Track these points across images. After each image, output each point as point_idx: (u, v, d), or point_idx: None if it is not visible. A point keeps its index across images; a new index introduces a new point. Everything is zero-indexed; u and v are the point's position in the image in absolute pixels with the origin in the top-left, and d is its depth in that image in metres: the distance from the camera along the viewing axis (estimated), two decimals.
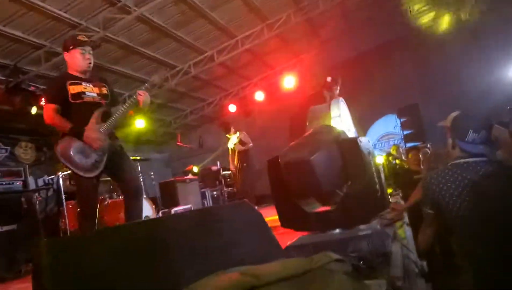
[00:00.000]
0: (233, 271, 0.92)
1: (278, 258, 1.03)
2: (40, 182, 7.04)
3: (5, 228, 4.52)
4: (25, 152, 7.41)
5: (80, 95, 2.83)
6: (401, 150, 7.04)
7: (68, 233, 5.00)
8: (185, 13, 6.40)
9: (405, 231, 2.22)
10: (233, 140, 6.77)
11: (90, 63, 2.92)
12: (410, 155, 5.92)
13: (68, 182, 5.57)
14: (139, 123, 8.84)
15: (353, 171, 1.60)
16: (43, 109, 2.86)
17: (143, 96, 2.94)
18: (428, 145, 5.85)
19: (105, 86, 3.03)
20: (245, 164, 6.44)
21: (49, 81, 3.30)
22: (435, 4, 8.07)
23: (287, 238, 1.83)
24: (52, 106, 2.78)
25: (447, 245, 2.44)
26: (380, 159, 6.60)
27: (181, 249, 1.08)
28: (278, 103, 9.35)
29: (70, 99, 2.80)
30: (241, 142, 6.47)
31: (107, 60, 6.94)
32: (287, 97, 8.64)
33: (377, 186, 1.60)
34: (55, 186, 5.99)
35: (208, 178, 9.23)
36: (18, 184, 5.01)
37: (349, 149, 1.62)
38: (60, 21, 5.46)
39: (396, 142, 8.68)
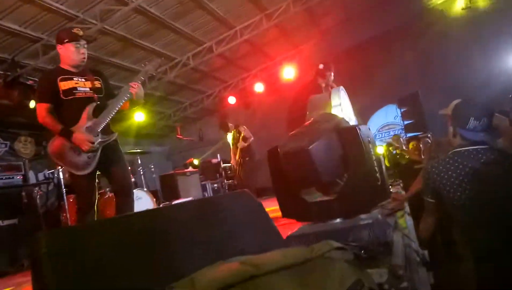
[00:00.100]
0: (233, 261, 0.91)
1: (278, 247, 1.02)
2: (41, 176, 7.05)
3: (6, 222, 4.53)
4: (25, 146, 7.40)
5: (71, 91, 2.77)
6: (401, 140, 7.02)
7: None
8: (183, 4, 6.34)
9: (406, 220, 2.21)
10: (233, 135, 6.70)
11: (84, 58, 2.84)
12: (411, 145, 5.91)
13: (68, 176, 5.57)
14: (139, 117, 8.83)
15: (353, 159, 1.58)
16: (36, 108, 2.82)
17: (135, 88, 2.86)
18: (429, 135, 5.83)
19: (98, 80, 2.95)
20: (247, 158, 6.41)
21: (40, 78, 3.23)
22: None
23: (288, 228, 1.82)
24: (44, 105, 2.74)
25: (449, 233, 2.44)
26: (380, 149, 6.59)
27: (180, 239, 1.07)
28: (278, 94, 9.31)
29: (61, 95, 2.75)
30: (243, 138, 6.42)
31: (105, 53, 6.90)
32: (287, 88, 8.58)
33: (378, 175, 1.59)
34: (55, 180, 5.98)
35: (208, 171, 9.26)
36: (18, 178, 5.01)
37: (348, 137, 1.60)
38: (56, 13, 5.41)
39: (396, 132, 8.65)
